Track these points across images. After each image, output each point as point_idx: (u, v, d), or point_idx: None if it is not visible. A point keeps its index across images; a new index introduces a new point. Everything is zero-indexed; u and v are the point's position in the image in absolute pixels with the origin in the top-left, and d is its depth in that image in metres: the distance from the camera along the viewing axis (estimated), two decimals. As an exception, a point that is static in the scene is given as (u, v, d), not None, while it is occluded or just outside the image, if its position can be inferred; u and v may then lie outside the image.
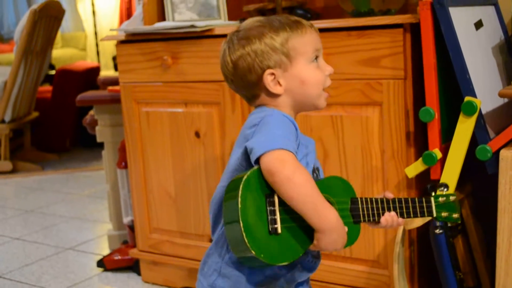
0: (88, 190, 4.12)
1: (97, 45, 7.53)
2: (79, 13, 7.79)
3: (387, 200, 1.35)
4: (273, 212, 1.20)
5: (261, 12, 2.32)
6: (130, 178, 2.42)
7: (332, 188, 1.30)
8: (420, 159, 1.74)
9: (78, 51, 7.64)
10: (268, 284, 1.29)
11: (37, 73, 4.90)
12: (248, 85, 1.33)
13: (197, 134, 2.21)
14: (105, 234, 3.03)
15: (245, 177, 1.18)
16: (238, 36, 1.32)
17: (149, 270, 2.48)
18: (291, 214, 1.21)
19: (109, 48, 7.23)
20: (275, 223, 1.20)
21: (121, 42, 2.33)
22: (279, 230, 1.19)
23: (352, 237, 1.29)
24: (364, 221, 1.32)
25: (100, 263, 2.68)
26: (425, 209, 1.39)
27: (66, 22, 7.65)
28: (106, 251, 2.89)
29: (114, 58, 6.69)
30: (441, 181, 1.72)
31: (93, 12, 7.52)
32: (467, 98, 1.64)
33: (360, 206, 1.31)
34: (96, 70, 5.57)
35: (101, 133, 2.81)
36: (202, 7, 2.35)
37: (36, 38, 4.65)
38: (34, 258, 2.88)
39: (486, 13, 1.94)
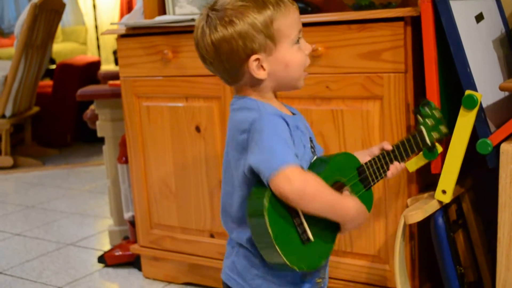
0: (89, 185, 4.12)
1: (97, 39, 7.53)
2: (80, 7, 7.78)
3: (387, 153, 1.43)
4: (300, 224, 1.21)
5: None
6: (131, 173, 2.42)
7: (340, 167, 1.33)
8: (421, 153, 1.73)
9: (79, 45, 7.64)
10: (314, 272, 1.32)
11: (38, 67, 4.89)
12: (229, 68, 1.27)
13: (197, 129, 2.21)
14: (106, 229, 3.03)
15: (266, 204, 1.18)
16: (218, 15, 1.25)
17: (150, 266, 2.48)
18: (314, 218, 1.23)
19: (109, 42, 7.23)
20: (306, 232, 1.22)
21: (122, 36, 2.33)
22: (312, 238, 1.22)
23: (369, 204, 1.35)
24: (375, 183, 1.39)
25: (101, 259, 2.68)
26: (419, 141, 1.50)
27: (67, 16, 7.64)
28: (107, 246, 2.90)
29: (114, 52, 6.68)
30: (441, 176, 1.72)
31: (94, 6, 7.51)
32: (467, 92, 1.63)
33: (367, 172, 1.37)
34: (96, 64, 5.57)
35: (102, 128, 2.80)
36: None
37: (37, 32, 4.65)
38: (35, 254, 2.88)
39: (487, 6, 1.93)
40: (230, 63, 1.26)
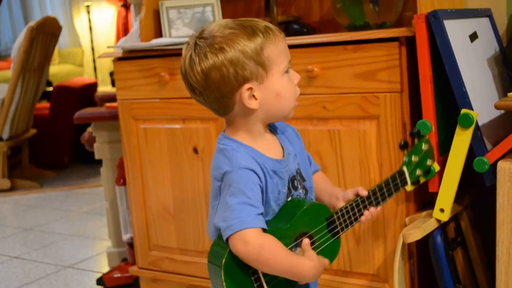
0: (87, 207, 4.11)
1: (94, 61, 7.56)
2: (76, 29, 7.82)
3: (362, 200, 1.38)
4: (258, 279, 1.23)
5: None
6: (129, 195, 2.42)
7: (309, 217, 1.30)
8: (418, 172, 1.73)
9: (75, 67, 7.66)
10: None
11: (35, 90, 4.91)
12: (220, 98, 1.24)
13: (195, 150, 2.21)
14: (105, 251, 3.02)
15: (224, 260, 1.21)
16: (207, 42, 1.22)
17: None
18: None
19: (106, 64, 7.26)
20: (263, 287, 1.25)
21: (118, 59, 2.34)
22: None
23: (333, 254, 1.33)
24: (344, 231, 1.35)
25: (100, 281, 2.67)
26: (399, 182, 1.45)
27: (63, 38, 7.68)
28: (105, 268, 2.89)
29: (111, 74, 6.71)
30: (439, 194, 1.72)
31: (90, 28, 7.56)
32: (463, 111, 1.64)
33: (337, 222, 1.34)
34: (93, 86, 5.58)
35: (100, 150, 2.81)
36: (199, 23, 2.36)
37: (34, 55, 4.67)
38: (34, 277, 2.87)
39: (481, 25, 1.94)
40: (221, 92, 1.23)
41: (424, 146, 1.53)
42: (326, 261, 1.29)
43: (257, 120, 1.29)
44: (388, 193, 1.43)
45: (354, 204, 1.37)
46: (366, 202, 1.38)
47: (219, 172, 1.25)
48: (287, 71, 1.28)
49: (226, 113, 1.29)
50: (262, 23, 1.26)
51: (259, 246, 1.19)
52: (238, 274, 1.21)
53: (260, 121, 1.29)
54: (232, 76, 1.21)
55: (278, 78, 1.26)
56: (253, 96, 1.24)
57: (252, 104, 1.25)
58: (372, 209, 1.39)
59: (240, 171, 1.23)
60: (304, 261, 1.25)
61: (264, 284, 1.24)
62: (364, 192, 1.39)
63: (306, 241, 1.28)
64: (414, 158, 1.50)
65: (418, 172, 1.51)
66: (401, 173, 1.47)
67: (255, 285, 1.23)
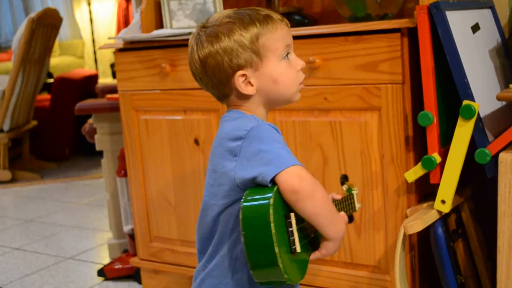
0: (87, 198, 4.12)
1: (94, 52, 7.55)
2: (77, 21, 7.81)
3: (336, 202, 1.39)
4: (291, 233, 1.19)
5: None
6: (130, 186, 2.42)
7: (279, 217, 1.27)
8: (420, 163, 1.74)
9: (76, 58, 7.66)
10: None
11: (35, 81, 4.90)
12: (217, 84, 1.29)
13: (196, 142, 2.21)
14: (106, 242, 3.03)
15: (272, 200, 1.15)
16: (206, 32, 1.27)
17: (150, 279, 2.48)
18: (303, 232, 1.23)
19: (107, 55, 7.25)
20: (295, 243, 1.20)
21: (119, 50, 2.33)
22: (298, 250, 1.20)
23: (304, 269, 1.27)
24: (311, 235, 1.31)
25: (101, 272, 2.67)
26: (350, 206, 1.45)
27: (64, 30, 7.67)
28: (106, 260, 2.89)
29: (112, 65, 6.70)
30: (440, 186, 1.72)
31: (91, 20, 7.55)
32: (465, 102, 1.64)
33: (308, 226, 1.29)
34: (94, 78, 5.58)
35: (100, 141, 2.81)
36: (200, 14, 2.35)
37: (34, 47, 4.66)
38: (35, 268, 2.88)
39: (483, 16, 1.94)
40: (217, 78, 1.28)
41: (355, 191, 1.50)
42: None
43: (257, 105, 1.31)
44: (345, 210, 1.41)
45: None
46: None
47: (239, 132, 1.23)
48: (286, 57, 1.29)
49: (225, 97, 1.32)
50: (263, 11, 1.28)
51: (313, 183, 1.19)
52: (279, 221, 1.16)
53: (260, 105, 1.31)
54: (226, 64, 1.25)
55: (274, 65, 1.28)
56: (249, 82, 1.27)
57: (248, 90, 1.27)
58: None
59: (267, 126, 1.24)
60: (341, 217, 1.28)
61: (296, 237, 1.20)
62: (337, 196, 1.40)
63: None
64: (355, 191, 1.48)
65: (358, 205, 1.49)
66: (351, 196, 1.46)
67: (290, 238, 1.19)
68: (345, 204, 1.43)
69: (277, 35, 1.27)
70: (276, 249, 1.13)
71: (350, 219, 1.40)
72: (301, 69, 1.33)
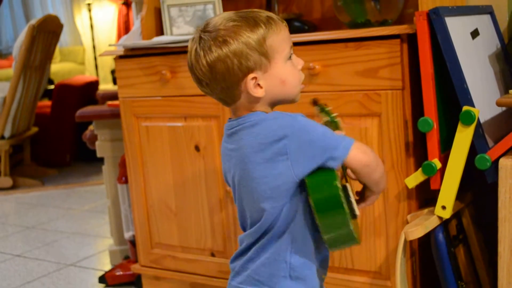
0: (88, 205, 4.12)
1: (95, 59, 7.56)
2: (77, 27, 7.82)
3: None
4: (351, 202, 1.28)
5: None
6: (131, 193, 2.42)
7: None
8: (420, 169, 1.74)
9: (77, 65, 7.66)
10: (324, 269, 1.37)
11: (36, 88, 4.91)
12: (226, 88, 1.28)
13: (197, 148, 2.21)
14: (107, 249, 3.03)
15: (339, 185, 1.21)
16: (211, 36, 1.26)
17: (151, 285, 2.48)
18: (348, 197, 1.29)
19: (107, 62, 7.26)
20: (354, 209, 1.29)
21: (120, 57, 2.34)
22: (358, 213, 1.31)
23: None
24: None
25: (102, 279, 2.67)
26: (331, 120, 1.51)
27: (64, 37, 7.68)
28: (107, 266, 2.89)
29: (112, 72, 6.71)
30: (441, 191, 1.72)
31: (91, 26, 7.55)
32: (465, 108, 1.64)
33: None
34: (95, 84, 5.58)
35: (101, 148, 2.81)
36: (200, 21, 2.36)
37: (35, 53, 4.67)
38: (36, 275, 2.88)
39: (482, 22, 1.94)
40: (226, 82, 1.26)
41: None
42: None
43: (264, 106, 1.31)
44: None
45: None
46: None
47: (280, 131, 1.23)
48: (290, 58, 1.31)
49: (233, 102, 1.31)
50: (263, 13, 1.29)
51: (373, 153, 1.28)
52: (344, 196, 1.23)
53: (268, 105, 1.32)
54: (236, 67, 1.25)
55: (281, 66, 1.29)
56: (258, 84, 1.27)
57: (258, 92, 1.27)
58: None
59: (299, 116, 1.26)
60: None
61: (355, 203, 1.30)
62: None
63: None
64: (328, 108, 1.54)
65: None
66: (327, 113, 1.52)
67: (351, 207, 1.27)
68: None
69: (282, 36, 1.29)
70: (347, 216, 1.21)
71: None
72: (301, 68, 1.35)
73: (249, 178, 1.28)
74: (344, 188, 1.26)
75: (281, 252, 1.29)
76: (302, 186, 1.25)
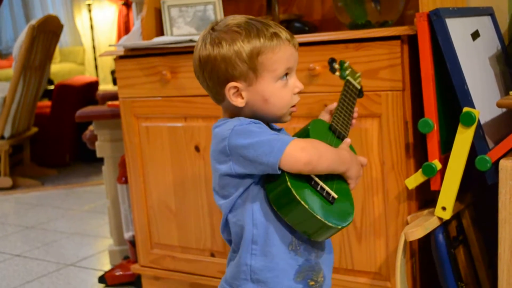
0: (88, 205, 4.12)
1: (95, 59, 7.56)
2: (77, 27, 7.83)
3: (339, 108, 1.45)
4: (322, 188, 1.25)
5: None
6: (131, 193, 2.42)
7: (318, 132, 1.37)
8: (420, 170, 1.74)
9: (77, 65, 7.67)
10: (306, 272, 1.32)
11: (36, 88, 4.91)
12: (211, 87, 1.30)
13: (197, 148, 2.21)
14: (106, 249, 3.03)
15: (290, 186, 1.21)
16: (213, 34, 1.28)
17: (150, 285, 2.48)
18: (326, 180, 1.27)
19: (107, 62, 7.26)
20: (329, 194, 1.25)
21: (120, 57, 2.34)
22: (335, 196, 1.26)
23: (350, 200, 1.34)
24: (347, 133, 1.43)
25: (102, 279, 2.67)
26: (352, 88, 1.54)
27: (64, 37, 7.68)
28: (107, 266, 2.89)
29: (112, 72, 6.71)
30: (441, 192, 1.72)
31: (91, 27, 7.56)
32: (465, 109, 1.64)
33: (338, 127, 1.41)
34: (94, 84, 5.59)
35: (101, 148, 2.81)
36: (200, 21, 2.36)
37: (35, 54, 4.67)
38: (35, 275, 2.88)
39: (483, 23, 1.94)
40: (211, 82, 1.29)
41: (346, 65, 1.60)
42: (360, 158, 1.37)
43: (249, 116, 1.30)
44: (352, 98, 1.51)
45: (337, 112, 1.45)
46: (346, 105, 1.48)
47: (225, 132, 1.25)
48: (284, 78, 1.28)
49: (219, 102, 1.34)
50: (273, 28, 1.27)
51: (313, 147, 1.23)
52: (307, 192, 1.23)
53: (252, 117, 1.30)
54: (221, 71, 1.26)
55: (268, 84, 1.27)
56: (240, 94, 1.27)
57: (238, 102, 1.28)
58: (356, 110, 1.50)
59: (248, 120, 1.26)
60: (339, 149, 1.32)
61: (327, 188, 1.26)
62: (334, 104, 1.48)
63: (348, 140, 1.38)
64: (348, 72, 1.58)
65: (358, 80, 1.59)
66: (347, 81, 1.55)
67: (323, 195, 1.25)
68: (347, 96, 1.50)
69: (279, 56, 1.26)
70: (319, 216, 1.20)
71: (360, 94, 1.56)
72: (298, 92, 1.32)
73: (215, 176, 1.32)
74: (309, 181, 1.25)
75: (242, 254, 1.30)
76: (256, 187, 1.26)
